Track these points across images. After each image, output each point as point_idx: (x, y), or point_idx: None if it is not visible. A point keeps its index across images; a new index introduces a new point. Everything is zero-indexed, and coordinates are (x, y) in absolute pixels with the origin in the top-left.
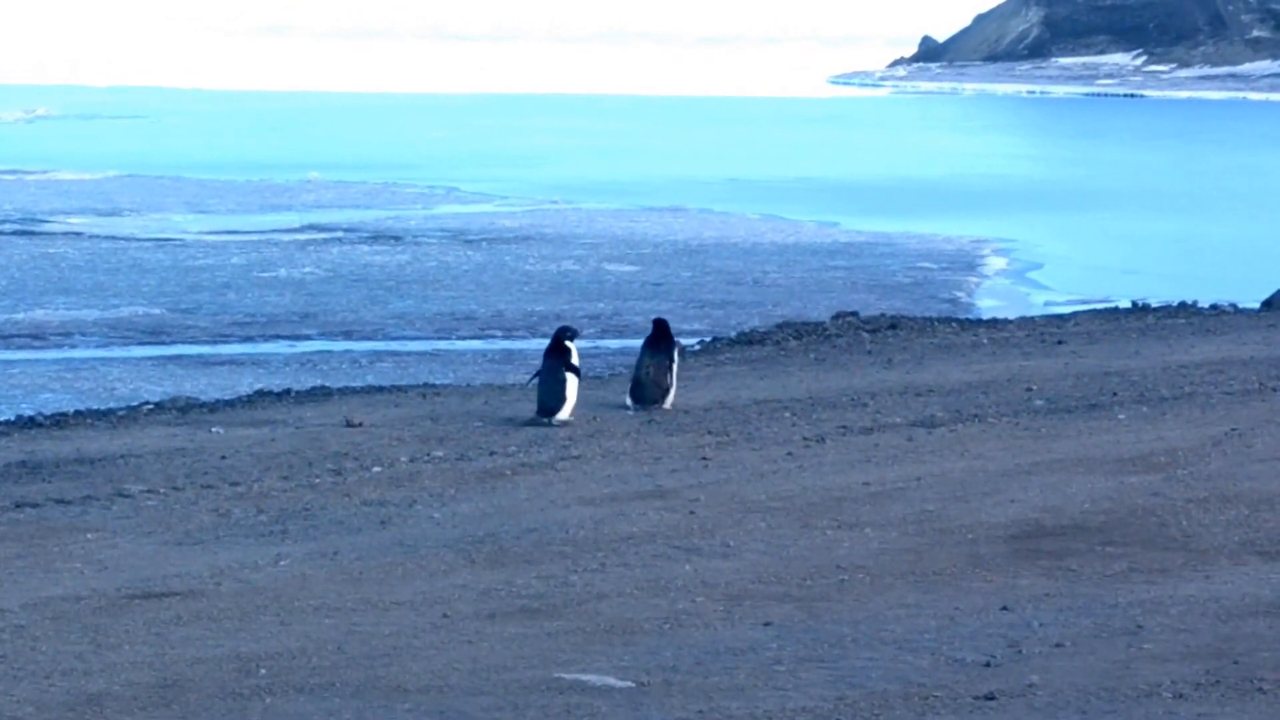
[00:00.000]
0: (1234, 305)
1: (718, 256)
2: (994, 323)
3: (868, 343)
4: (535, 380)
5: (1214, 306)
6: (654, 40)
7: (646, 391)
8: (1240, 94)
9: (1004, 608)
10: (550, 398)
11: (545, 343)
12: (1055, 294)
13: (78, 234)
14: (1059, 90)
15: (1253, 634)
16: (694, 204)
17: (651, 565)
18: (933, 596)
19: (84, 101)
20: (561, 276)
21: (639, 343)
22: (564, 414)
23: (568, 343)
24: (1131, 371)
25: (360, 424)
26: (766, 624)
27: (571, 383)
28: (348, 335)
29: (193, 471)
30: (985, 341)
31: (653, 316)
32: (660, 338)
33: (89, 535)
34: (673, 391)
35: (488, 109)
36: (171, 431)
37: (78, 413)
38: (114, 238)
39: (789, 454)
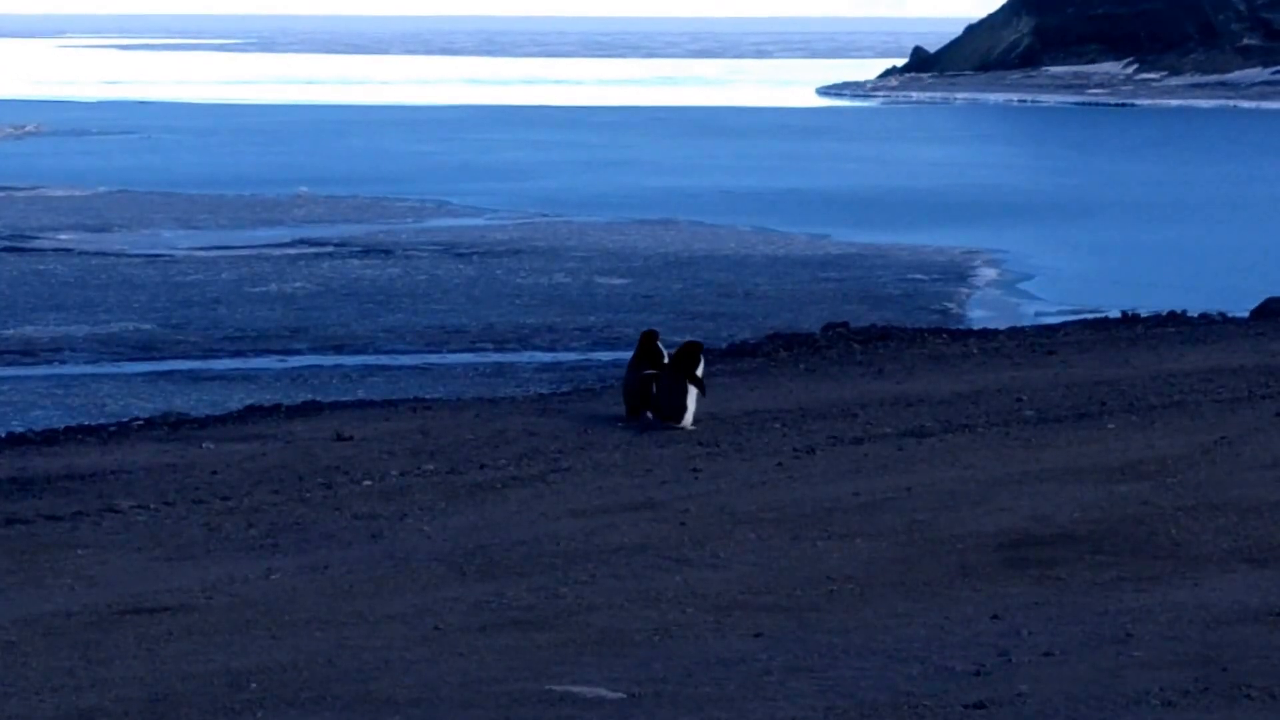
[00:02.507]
0: (1223, 314)
1: (709, 268)
2: (984, 333)
3: (858, 354)
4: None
5: (1203, 315)
6: (644, 53)
7: (633, 403)
8: (1231, 102)
9: (994, 616)
10: (669, 405)
11: (538, 356)
12: (1045, 304)
13: (68, 250)
14: (1050, 99)
15: (1241, 641)
16: (685, 216)
17: (642, 576)
18: (923, 606)
19: (73, 117)
20: (553, 289)
21: (630, 354)
22: (686, 421)
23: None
24: (1121, 381)
25: (351, 438)
26: (757, 635)
27: (692, 392)
28: (338, 349)
29: (183, 487)
30: (975, 352)
31: (642, 329)
32: (645, 350)
33: (80, 551)
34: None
35: (477, 122)
36: (162, 447)
37: (68, 429)
38: (104, 254)
39: (779, 465)
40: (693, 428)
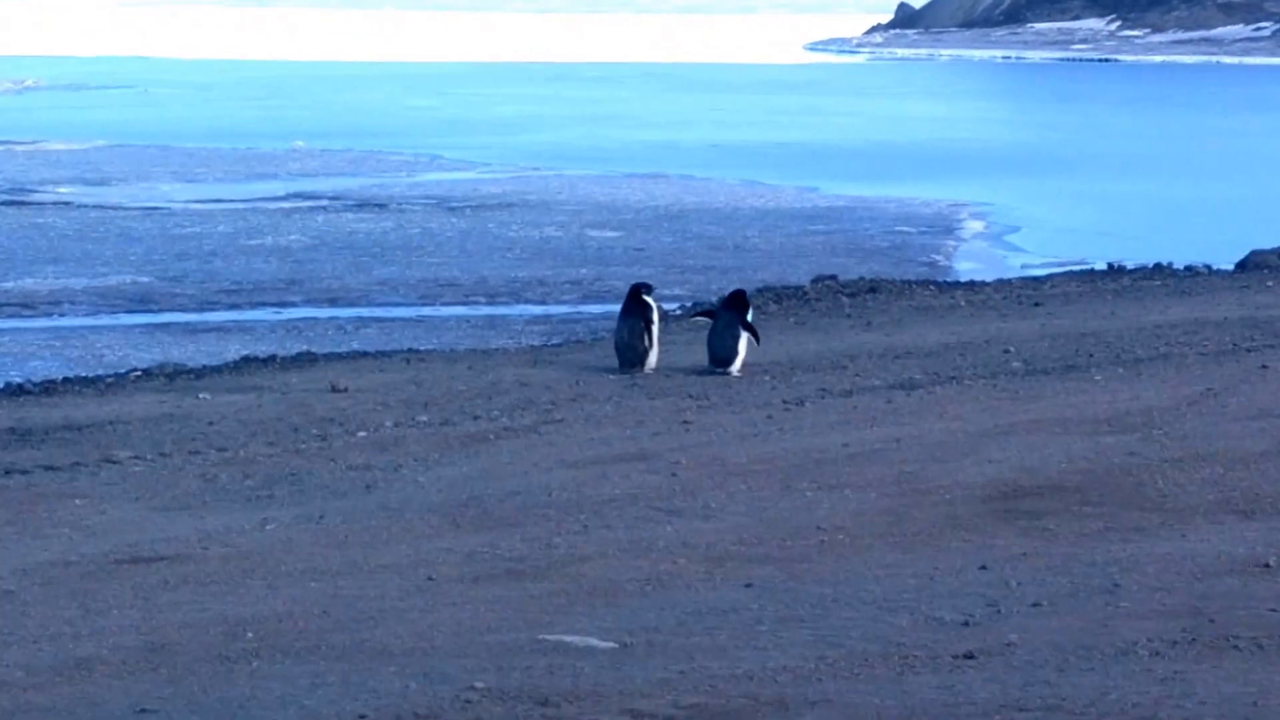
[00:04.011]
0: (1208, 266)
1: (698, 222)
2: (971, 285)
3: (847, 306)
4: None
5: (1189, 268)
6: (633, 9)
7: (624, 355)
8: (1213, 58)
9: (982, 567)
10: (724, 350)
11: (530, 308)
12: (1032, 256)
13: (66, 203)
14: (1034, 55)
15: (1228, 592)
16: (675, 170)
17: (634, 527)
18: (912, 556)
19: (72, 72)
20: (544, 243)
21: (620, 307)
22: (735, 367)
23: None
24: (1107, 333)
25: (345, 389)
26: (748, 585)
27: (743, 338)
28: (333, 302)
29: (180, 437)
30: (963, 304)
31: (632, 282)
32: (634, 303)
33: (77, 501)
34: (653, 354)
35: (469, 77)
36: (159, 398)
37: (66, 380)
38: (102, 207)
39: (769, 417)
40: (738, 374)
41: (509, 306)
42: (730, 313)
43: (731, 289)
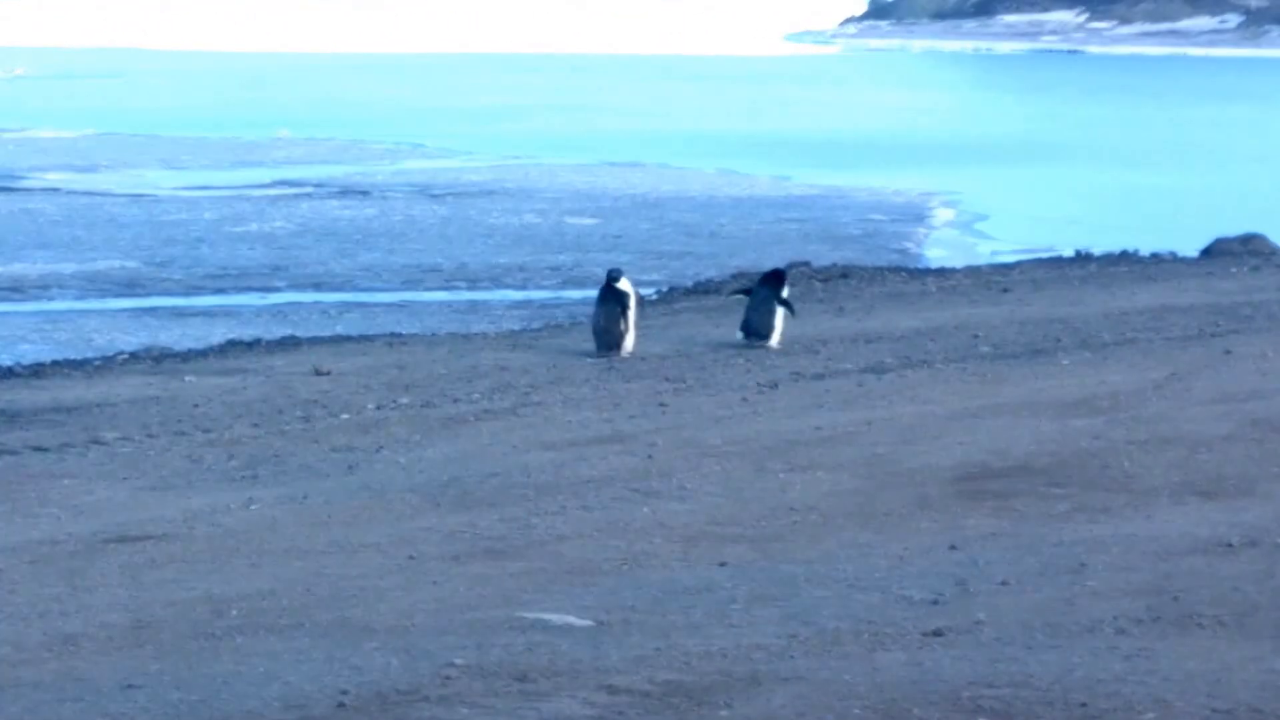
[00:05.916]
0: (1174, 254)
1: (675, 209)
2: (942, 272)
3: (820, 292)
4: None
5: (1154, 255)
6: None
7: (601, 339)
8: (1180, 50)
9: (952, 547)
10: (761, 324)
11: (510, 293)
12: (1001, 244)
13: (55, 190)
14: (1004, 47)
15: (1191, 571)
16: (652, 159)
17: (611, 508)
18: (882, 537)
19: (61, 61)
20: (524, 229)
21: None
22: (773, 340)
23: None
24: (1075, 318)
25: (329, 372)
26: (722, 564)
27: (779, 312)
28: (317, 287)
29: (166, 419)
30: (933, 290)
31: (609, 268)
32: (611, 289)
33: (66, 481)
34: (630, 338)
35: (452, 67)
36: (146, 380)
37: (55, 363)
38: (90, 193)
39: (743, 399)
40: (777, 347)
41: (489, 292)
42: (766, 288)
43: (770, 267)
